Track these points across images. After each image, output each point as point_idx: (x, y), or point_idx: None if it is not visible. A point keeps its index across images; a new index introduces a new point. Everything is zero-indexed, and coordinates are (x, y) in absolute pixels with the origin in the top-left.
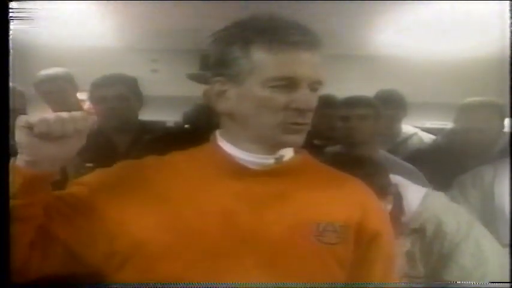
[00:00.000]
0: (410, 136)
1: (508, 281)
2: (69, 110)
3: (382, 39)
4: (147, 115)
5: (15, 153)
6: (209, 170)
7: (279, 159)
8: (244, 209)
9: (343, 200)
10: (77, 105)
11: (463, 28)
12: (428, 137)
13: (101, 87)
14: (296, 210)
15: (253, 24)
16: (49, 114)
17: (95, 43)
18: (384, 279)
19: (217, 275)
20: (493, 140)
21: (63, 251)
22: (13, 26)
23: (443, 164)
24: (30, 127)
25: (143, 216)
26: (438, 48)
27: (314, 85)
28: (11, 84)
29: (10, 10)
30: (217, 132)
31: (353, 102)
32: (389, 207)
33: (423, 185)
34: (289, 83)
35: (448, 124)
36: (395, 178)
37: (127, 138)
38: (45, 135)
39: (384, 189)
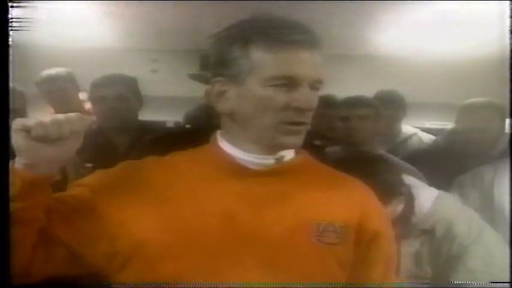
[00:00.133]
0: (410, 136)
1: (508, 281)
2: (70, 110)
3: (382, 39)
4: (146, 115)
5: (15, 155)
6: (209, 171)
7: (279, 160)
8: (244, 209)
9: (343, 201)
10: (79, 105)
11: (463, 28)
12: (428, 137)
13: (100, 87)
14: (296, 210)
15: (252, 24)
16: (45, 117)
17: (95, 43)
18: (384, 279)
19: (218, 275)
20: (493, 141)
21: (65, 253)
22: (13, 26)
23: (443, 165)
24: (27, 130)
25: (144, 217)
26: (438, 48)
27: (314, 84)
28: (10, 84)
29: (10, 10)
30: (218, 133)
31: (353, 103)
32: (400, 207)
33: None
34: (290, 82)
35: (447, 124)
36: (408, 179)
37: (127, 138)
38: (42, 137)
39: (395, 189)
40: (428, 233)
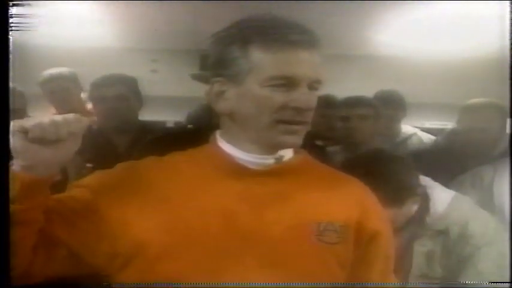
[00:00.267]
0: (410, 136)
1: (508, 281)
2: (73, 110)
3: (381, 39)
4: (146, 115)
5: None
6: (209, 171)
7: (278, 159)
8: (244, 209)
9: (342, 200)
10: (81, 105)
11: (463, 28)
12: (427, 137)
13: (100, 87)
14: (296, 210)
15: (251, 24)
16: (43, 118)
17: (95, 43)
18: (383, 278)
19: (219, 275)
20: (494, 141)
21: (65, 253)
22: (13, 26)
23: (444, 165)
24: (24, 132)
25: (144, 217)
26: (438, 48)
27: (313, 84)
28: (11, 84)
29: (10, 10)
30: (217, 133)
31: (353, 102)
32: (414, 207)
33: None
34: (288, 82)
35: (447, 124)
36: (424, 179)
37: (127, 138)
38: (40, 139)
39: (412, 190)
40: (443, 233)
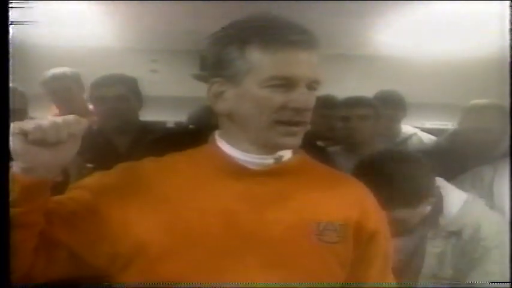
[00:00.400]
0: (410, 136)
1: (508, 281)
2: (75, 110)
3: (382, 40)
4: (147, 115)
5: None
6: (209, 171)
7: (278, 160)
8: (244, 209)
9: (341, 199)
10: (83, 105)
11: (463, 28)
12: (428, 137)
13: (100, 88)
14: (296, 209)
15: (249, 25)
16: (43, 120)
17: (95, 43)
18: (382, 277)
19: (220, 275)
20: (497, 142)
21: (67, 255)
22: (13, 26)
23: (446, 165)
24: (24, 134)
25: (145, 218)
26: (438, 48)
27: (312, 84)
28: (12, 85)
29: (10, 11)
30: (216, 133)
31: (353, 103)
32: (428, 208)
33: None
34: (287, 83)
35: (448, 124)
36: (438, 180)
37: (127, 138)
38: (40, 141)
39: (428, 191)
40: (455, 235)
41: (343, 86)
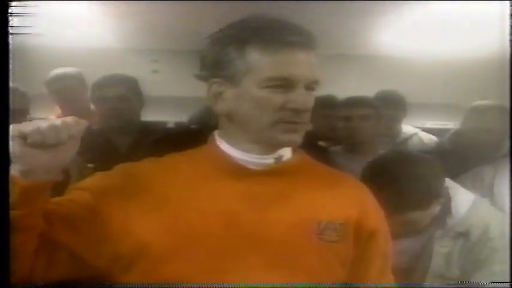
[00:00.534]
0: (411, 136)
1: (508, 281)
2: (78, 109)
3: (382, 40)
4: (147, 116)
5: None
6: (209, 171)
7: (278, 159)
8: (245, 209)
9: (342, 199)
10: (86, 105)
11: (463, 28)
12: (428, 138)
13: (101, 88)
14: (297, 209)
15: (248, 25)
16: (42, 123)
17: (95, 44)
18: (381, 276)
19: (221, 275)
20: (499, 143)
21: (67, 256)
22: (13, 26)
23: (448, 165)
24: (23, 137)
25: (146, 218)
26: (438, 48)
27: (311, 85)
28: (13, 85)
29: (10, 10)
30: (216, 133)
31: (354, 103)
32: (438, 208)
33: None
34: (286, 83)
35: (448, 124)
36: (446, 180)
37: (128, 138)
38: (39, 144)
39: (438, 192)
40: (463, 235)
41: (344, 86)
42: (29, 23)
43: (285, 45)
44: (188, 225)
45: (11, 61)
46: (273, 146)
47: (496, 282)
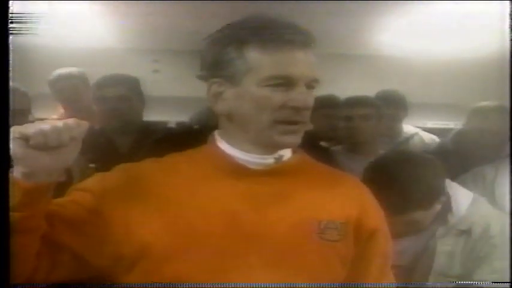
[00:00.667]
0: (412, 136)
1: (508, 281)
2: (81, 109)
3: (382, 40)
4: (148, 115)
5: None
6: (209, 171)
7: (278, 159)
8: (246, 208)
9: (342, 198)
10: (89, 105)
11: (463, 28)
12: (429, 137)
13: (102, 88)
14: (297, 208)
15: (247, 25)
16: (44, 125)
17: (96, 44)
18: (381, 275)
19: (223, 275)
20: (502, 144)
21: (70, 258)
22: (13, 26)
23: (449, 165)
24: (25, 139)
25: (147, 219)
26: (438, 48)
27: (311, 83)
28: (15, 85)
29: (10, 10)
30: (216, 133)
31: (355, 102)
32: (439, 207)
33: None
34: (286, 82)
35: (449, 124)
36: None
37: (129, 138)
38: (42, 146)
39: (440, 191)
40: (465, 233)
41: (344, 86)
42: (29, 23)
43: (285, 44)
44: (189, 225)
45: (11, 61)
46: (272, 147)
47: (497, 282)
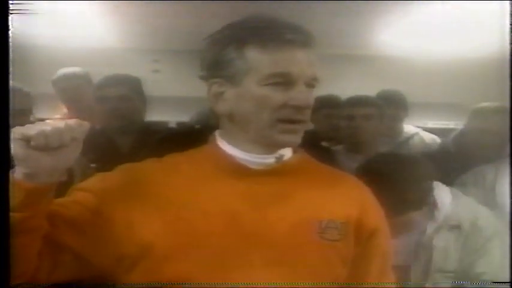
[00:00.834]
0: (412, 136)
1: (508, 281)
2: (84, 109)
3: (383, 40)
4: (148, 115)
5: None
6: (210, 171)
7: (279, 159)
8: (247, 208)
9: (342, 197)
10: (92, 105)
11: (464, 28)
12: (430, 137)
13: (103, 88)
14: (298, 208)
15: (247, 25)
16: (45, 126)
17: (96, 44)
18: (381, 275)
19: (224, 274)
20: (504, 144)
21: (71, 258)
22: (14, 26)
23: (451, 166)
24: (27, 139)
25: (148, 219)
26: (439, 48)
27: (311, 82)
28: (17, 85)
29: (10, 10)
30: (216, 133)
31: (357, 102)
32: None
33: None
34: (286, 81)
35: (450, 124)
36: None
37: (130, 138)
38: (43, 146)
39: (431, 192)
40: (456, 228)
41: (345, 86)
42: (29, 23)
43: (284, 43)
44: (190, 225)
45: (11, 61)
46: (273, 147)
47: (497, 282)
